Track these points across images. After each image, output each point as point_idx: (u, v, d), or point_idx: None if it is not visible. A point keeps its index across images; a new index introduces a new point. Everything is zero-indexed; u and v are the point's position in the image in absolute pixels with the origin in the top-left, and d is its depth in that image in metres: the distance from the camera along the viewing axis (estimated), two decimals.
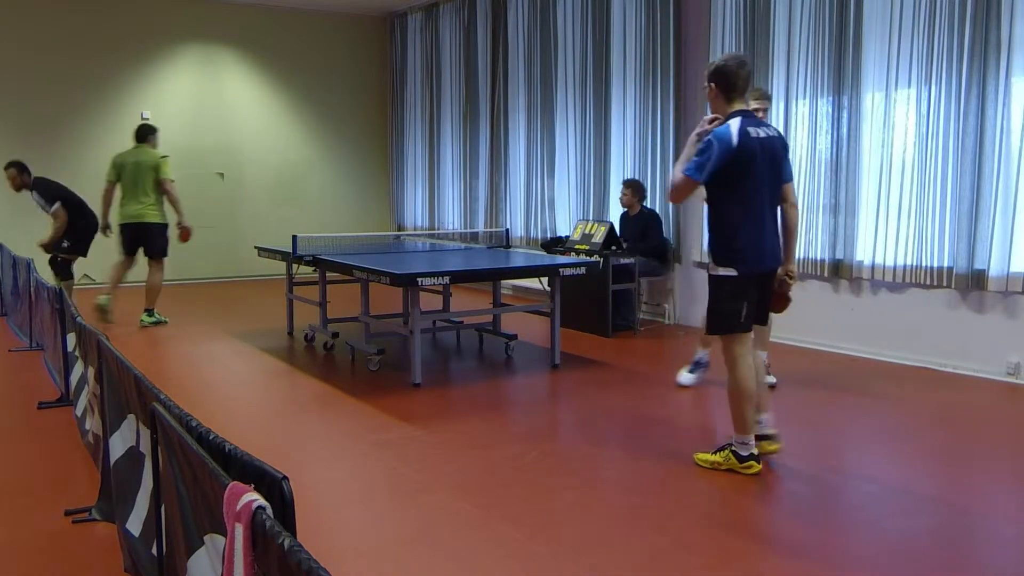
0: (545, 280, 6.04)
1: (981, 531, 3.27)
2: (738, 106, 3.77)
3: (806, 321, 6.61)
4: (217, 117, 11.25)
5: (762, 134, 3.72)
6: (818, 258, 6.55)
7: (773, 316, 5.43)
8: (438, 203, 11.42)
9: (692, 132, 3.89)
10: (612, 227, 7.78)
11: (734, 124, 3.67)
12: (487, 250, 7.70)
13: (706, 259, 4.06)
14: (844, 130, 6.31)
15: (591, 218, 8.45)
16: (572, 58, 8.80)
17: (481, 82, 10.35)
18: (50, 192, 7.65)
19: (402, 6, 11.72)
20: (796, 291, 6.64)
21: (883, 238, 6.10)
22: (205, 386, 5.58)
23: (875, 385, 5.44)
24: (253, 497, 1.54)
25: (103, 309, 7.71)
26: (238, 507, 1.55)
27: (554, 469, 3.89)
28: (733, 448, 3.82)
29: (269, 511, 1.52)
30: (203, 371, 6.00)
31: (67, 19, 10.30)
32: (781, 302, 4.11)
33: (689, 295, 7.61)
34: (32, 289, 6.27)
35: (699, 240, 7.45)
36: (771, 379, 5.35)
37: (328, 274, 6.56)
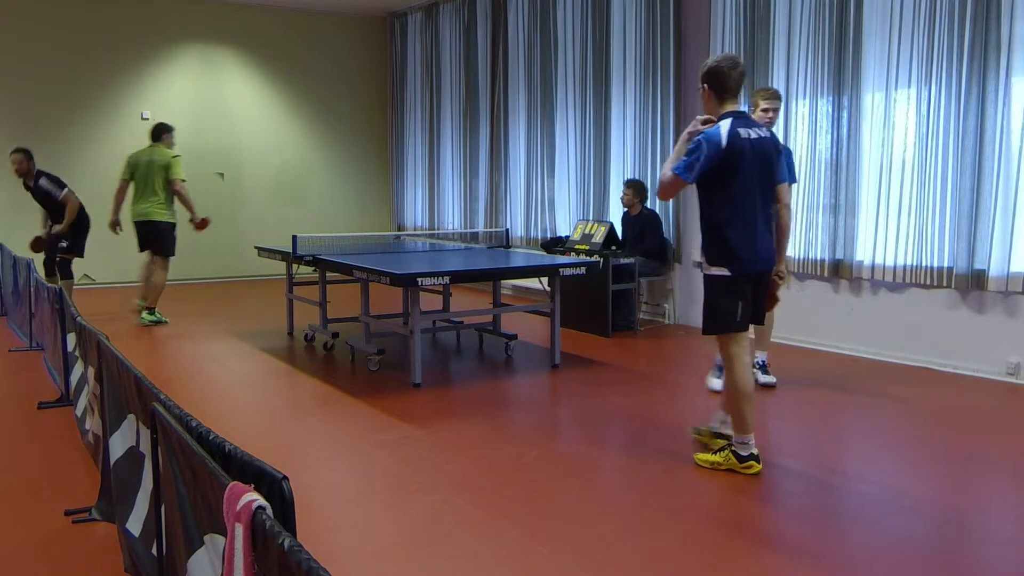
0: (545, 280, 6.04)
1: (981, 531, 3.27)
2: (730, 107, 3.78)
3: (806, 321, 6.62)
4: (217, 117, 11.25)
5: (753, 135, 3.73)
6: (818, 258, 6.55)
7: (774, 317, 5.46)
8: (438, 203, 11.42)
9: (684, 131, 3.90)
10: (612, 227, 7.79)
11: (724, 125, 3.68)
12: (487, 250, 7.70)
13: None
14: (844, 130, 6.31)
15: (591, 218, 8.45)
16: (572, 58, 8.80)
17: (481, 82, 10.35)
18: (58, 180, 7.73)
19: (402, 6, 11.72)
20: (796, 291, 6.69)
21: (883, 238, 6.11)
22: (205, 386, 5.58)
23: (875, 385, 5.44)
24: (253, 497, 1.54)
25: (157, 322, 7.82)
26: (238, 507, 1.55)
27: (554, 469, 3.89)
28: (733, 448, 3.82)
29: (269, 511, 1.52)
30: (203, 371, 6.00)
31: (67, 19, 10.30)
32: (769, 301, 4.12)
33: (689, 295, 7.61)
34: (32, 289, 6.27)
35: (699, 240, 7.44)
36: (771, 379, 5.35)
37: (328, 274, 6.56)
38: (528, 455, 4.08)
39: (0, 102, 10.01)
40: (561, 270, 5.84)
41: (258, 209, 11.58)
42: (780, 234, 4.05)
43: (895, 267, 6.05)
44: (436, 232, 11.19)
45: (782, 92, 6.68)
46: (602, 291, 7.18)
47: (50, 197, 7.63)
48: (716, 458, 3.86)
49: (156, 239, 7.68)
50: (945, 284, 5.77)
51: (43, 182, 7.64)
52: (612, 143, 8.33)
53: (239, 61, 11.40)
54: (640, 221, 7.59)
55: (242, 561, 1.54)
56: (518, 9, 9.60)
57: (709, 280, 3.84)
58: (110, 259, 10.08)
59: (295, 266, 6.86)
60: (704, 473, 3.83)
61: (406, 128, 12.10)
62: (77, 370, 4.35)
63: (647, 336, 7.27)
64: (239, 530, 1.54)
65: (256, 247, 7.64)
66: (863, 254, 6.27)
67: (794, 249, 6.57)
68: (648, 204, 7.67)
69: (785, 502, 3.56)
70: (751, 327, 3.92)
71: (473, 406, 4.98)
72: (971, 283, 5.61)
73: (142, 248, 7.78)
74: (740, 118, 3.75)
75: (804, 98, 6.60)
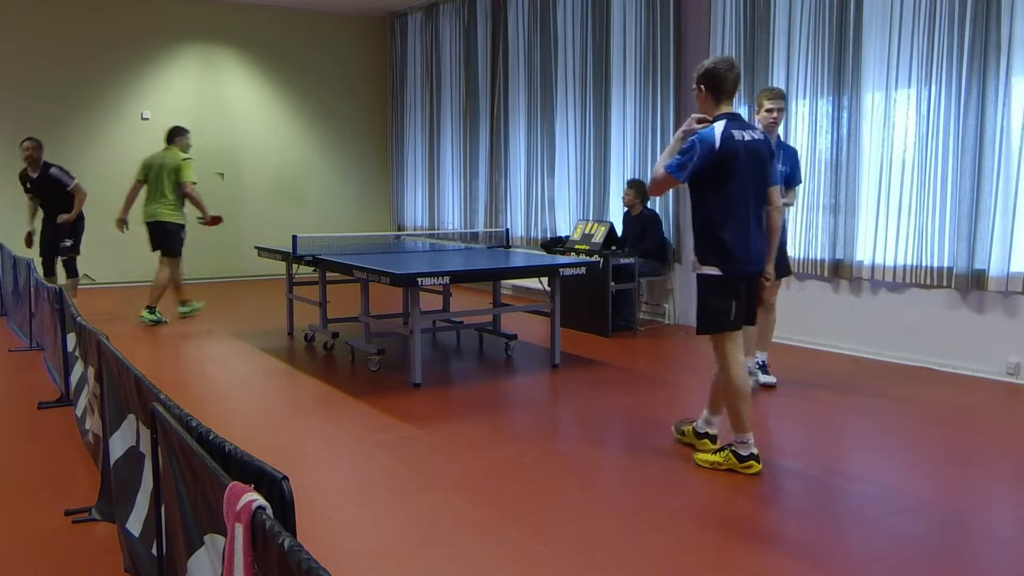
0: (545, 280, 6.04)
1: (981, 531, 3.27)
2: (725, 108, 3.81)
3: (806, 321, 6.62)
4: (217, 117, 11.24)
5: (747, 137, 3.76)
6: (818, 258, 6.56)
7: (776, 318, 5.45)
8: (438, 203, 11.42)
9: (679, 129, 3.92)
10: (612, 227, 7.79)
11: (718, 127, 3.71)
12: (487, 250, 7.70)
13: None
14: (844, 130, 6.31)
15: (591, 218, 8.45)
16: (572, 58, 8.80)
17: (481, 82, 10.35)
18: (68, 171, 7.91)
19: (402, 6, 11.72)
20: (796, 291, 6.68)
21: (883, 238, 6.11)
22: (205, 386, 5.58)
23: (875, 385, 5.44)
24: (253, 497, 1.54)
25: (192, 310, 8.10)
26: (238, 507, 1.55)
27: (554, 469, 3.89)
28: (733, 448, 3.82)
29: (269, 511, 1.52)
30: (203, 371, 6.00)
31: (67, 19, 10.30)
32: (755, 302, 4.13)
33: (689, 295, 7.61)
34: (32, 289, 6.27)
35: None
36: (771, 379, 5.35)
37: (328, 274, 6.56)
38: (528, 455, 4.08)
39: (0, 102, 10.01)
40: (561, 270, 5.84)
41: (258, 209, 11.58)
42: (771, 236, 4.06)
43: (895, 267, 6.05)
44: (436, 232, 11.18)
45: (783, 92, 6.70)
46: (602, 291, 7.18)
47: (60, 186, 7.77)
48: (716, 458, 3.86)
49: (163, 239, 7.78)
50: (945, 284, 5.77)
51: (54, 171, 7.79)
52: (612, 143, 8.33)
53: (239, 61, 11.40)
54: (641, 221, 7.59)
55: (242, 561, 1.54)
56: (518, 9, 9.60)
57: (702, 280, 3.87)
58: (110, 259, 10.09)
59: (295, 266, 6.86)
60: (704, 473, 3.83)
61: (406, 128, 12.10)
62: (77, 370, 4.35)
63: (647, 336, 7.27)
64: (239, 530, 1.54)
65: (256, 247, 7.64)
66: (863, 254, 6.27)
67: (794, 249, 6.56)
68: (649, 204, 7.67)
69: (785, 502, 3.56)
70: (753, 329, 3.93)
71: (473, 406, 4.97)
72: (971, 283, 5.61)
73: (153, 248, 7.88)
74: (734, 120, 3.77)
75: (804, 98, 6.60)
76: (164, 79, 10.91)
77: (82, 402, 4.18)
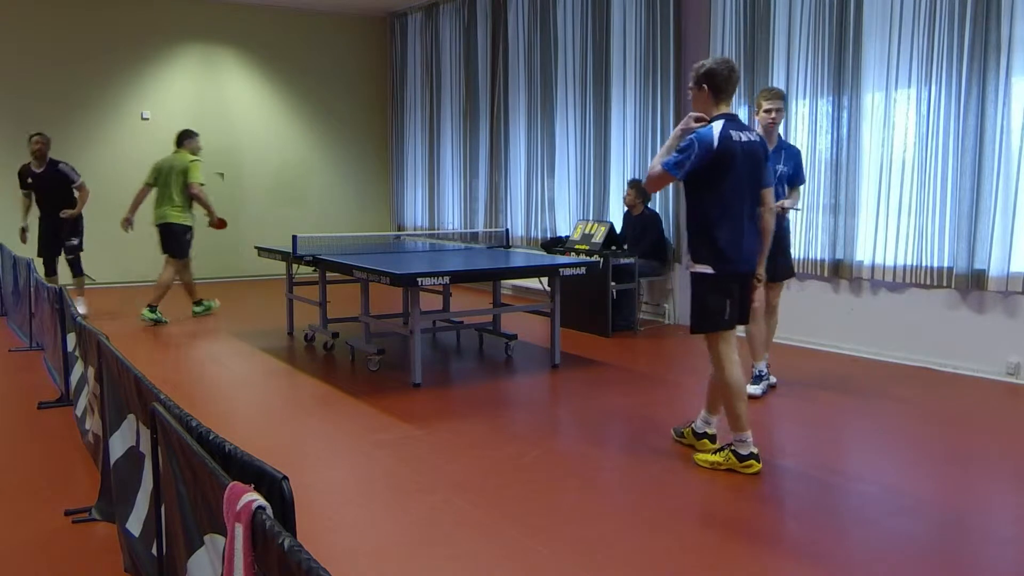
0: (545, 280, 6.04)
1: (981, 531, 3.27)
2: (723, 108, 3.84)
3: (806, 321, 6.62)
4: (217, 117, 11.24)
5: (744, 138, 3.79)
6: (818, 258, 6.56)
7: (778, 319, 5.45)
8: (438, 203, 11.41)
9: (677, 127, 3.93)
10: (612, 227, 7.78)
11: (717, 126, 3.73)
12: (487, 250, 7.70)
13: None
14: (844, 130, 6.31)
15: (591, 218, 8.45)
16: (572, 58, 8.80)
17: (481, 82, 10.35)
18: (75, 169, 8.08)
19: (402, 6, 11.72)
20: (796, 291, 6.68)
21: (883, 238, 6.11)
22: (205, 386, 5.58)
23: (875, 385, 5.44)
24: (253, 497, 1.54)
25: (206, 309, 8.22)
26: (238, 507, 1.55)
27: (554, 469, 3.89)
28: (732, 447, 3.83)
29: (269, 511, 1.52)
30: (203, 371, 6.00)
31: (67, 19, 10.30)
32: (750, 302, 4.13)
33: (689, 295, 7.59)
34: (32, 289, 6.27)
35: None
36: (771, 379, 5.35)
37: (328, 274, 6.56)
38: (528, 455, 4.08)
39: (0, 102, 10.01)
40: (561, 270, 5.84)
41: (258, 209, 11.58)
42: (763, 237, 4.07)
43: (895, 267, 6.05)
44: (436, 232, 11.18)
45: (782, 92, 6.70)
46: (602, 291, 7.18)
47: (67, 181, 7.93)
48: (716, 458, 3.87)
49: (169, 240, 7.85)
50: (945, 284, 5.77)
51: (63, 166, 7.96)
52: (612, 143, 8.33)
53: (239, 61, 11.40)
54: (642, 221, 7.59)
55: (242, 561, 1.54)
56: (518, 9, 9.59)
57: (696, 279, 3.90)
58: (110, 259, 10.09)
59: (295, 266, 6.86)
60: (704, 473, 3.83)
61: (406, 128, 12.10)
62: (77, 370, 4.35)
63: (647, 336, 7.27)
64: (239, 530, 1.54)
65: (256, 247, 7.65)
66: (863, 254, 6.27)
67: (794, 249, 6.55)
68: (651, 205, 7.67)
69: (785, 502, 3.56)
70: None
71: (473, 406, 4.97)
72: (971, 283, 5.61)
73: (162, 250, 7.95)
74: (732, 120, 3.80)
75: (804, 98, 6.60)
76: (164, 79, 10.91)
77: (82, 402, 4.18)
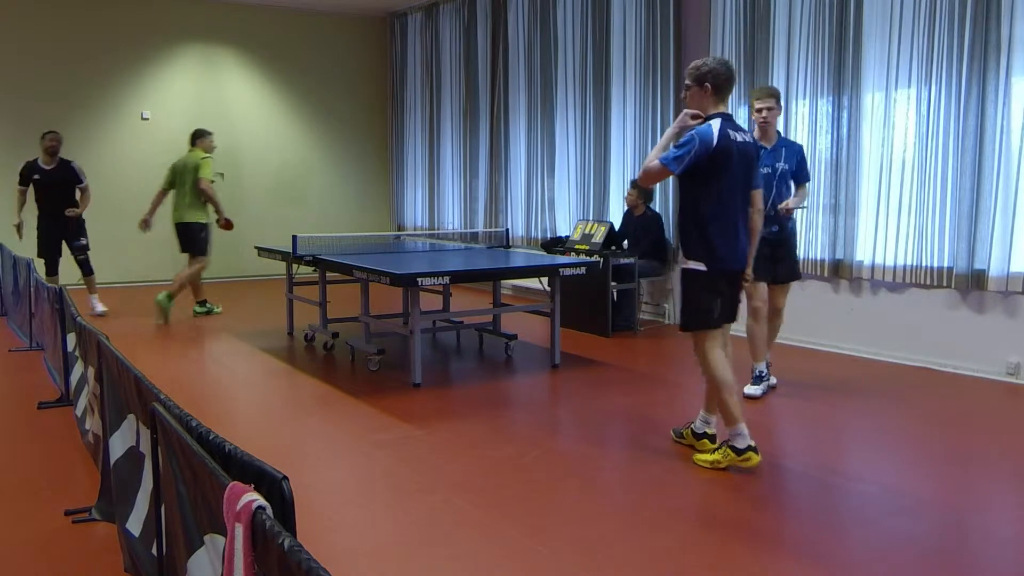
0: (545, 280, 6.04)
1: (981, 531, 3.27)
2: (721, 108, 3.88)
3: (806, 321, 6.61)
4: (217, 117, 11.23)
5: (739, 138, 3.84)
6: (818, 258, 6.55)
7: (783, 321, 5.44)
8: (438, 203, 11.41)
9: (673, 123, 3.95)
10: (612, 227, 7.78)
11: (715, 125, 3.77)
12: (487, 250, 7.70)
13: None
14: (844, 130, 6.31)
15: (591, 218, 8.45)
16: (572, 58, 8.80)
17: (481, 82, 10.35)
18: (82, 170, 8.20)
19: (402, 6, 11.72)
20: (796, 291, 6.67)
21: (883, 238, 6.11)
22: (205, 386, 5.58)
23: (875, 385, 5.44)
24: (253, 497, 1.54)
25: (209, 312, 8.24)
26: (238, 507, 1.55)
27: (554, 469, 3.89)
28: (729, 443, 3.83)
29: (269, 511, 1.52)
30: (203, 371, 6.00)
31: (67, 19, 10.30)
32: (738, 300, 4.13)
33: None
34: (32, 289, 6.27)
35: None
36: (772, 380, 5.35)
37: (328, 274, 6.56)
38: (528, 455, 4.08)
39: (0, 102, 10.01)
40: (561, 270, 5.84)
41: (258, 209, 11.58)
42: (752, 237, 4.09)
43: (895, 267, 6.05)
44: (436, 232, 11.18)
45: (782, 92, 6.68)
46: (602, 291, 7.18)
47: (76, 180, 8.02)
48: (715, 456, 3.87)
49: (188, 239, 7.94)
50: (945, 284, 5.77)
51: (75, 165, 8.07)
52: (612, 143, 8.33)
53: (239, 61, 11.39)
54: (643, 222, 7.59)
55: (242, 561, 1.54)
56: (518, 9, 9.59)
57: (687, 276, 3.93)
58: (111, 259, 10.08)
59: (295, 266, 6.86)
60: (704, 473, 3.83)
61: (406, 128, 12.09)
62: (77, 370, 4.35)
63: (647, 336, 7.27)
64: (239, 530, 1.54)
65: (256, 247, 7.65)
66: (863, 254, 6.27)
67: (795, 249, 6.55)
68: (652, 205, 7.67)
69: (785, 502, 3.56)
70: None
71: (473, 406, 4.98)
72: (971, 283, 5.61)
73: (182, 250, 8.03)
74: (728, 120, 3.86)
75: (804, 98, 6.60)
76: (164, 79, 10.91)
77: (82, 402, 4.18)
